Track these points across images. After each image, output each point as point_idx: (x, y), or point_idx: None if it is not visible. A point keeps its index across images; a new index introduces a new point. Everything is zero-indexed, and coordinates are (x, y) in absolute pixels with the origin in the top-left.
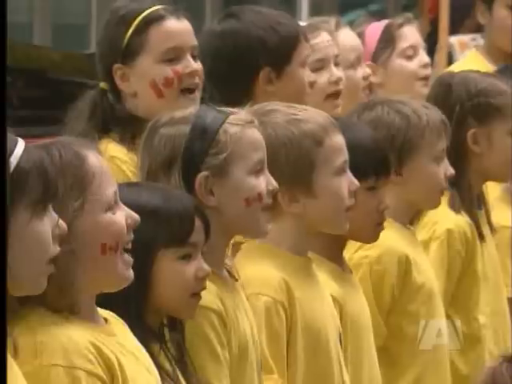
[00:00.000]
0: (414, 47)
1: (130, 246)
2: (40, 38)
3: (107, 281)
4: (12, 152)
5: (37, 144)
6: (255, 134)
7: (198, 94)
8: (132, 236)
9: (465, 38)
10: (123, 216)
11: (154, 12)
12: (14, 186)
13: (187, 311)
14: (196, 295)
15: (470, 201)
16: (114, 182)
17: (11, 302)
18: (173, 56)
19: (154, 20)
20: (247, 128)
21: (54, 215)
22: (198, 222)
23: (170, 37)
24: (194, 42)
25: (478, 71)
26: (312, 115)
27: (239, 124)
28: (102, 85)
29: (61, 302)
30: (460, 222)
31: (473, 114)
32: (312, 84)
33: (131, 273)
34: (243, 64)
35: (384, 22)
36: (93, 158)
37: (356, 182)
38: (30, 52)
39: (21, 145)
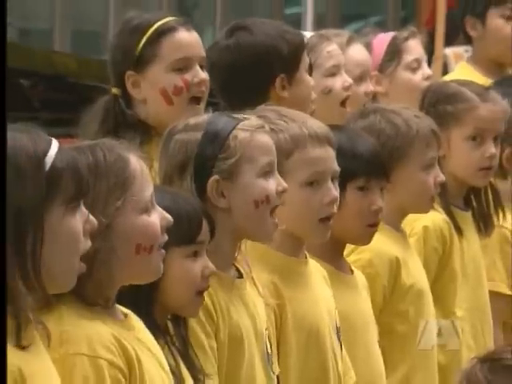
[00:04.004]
0: (417, 60)
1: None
2: (60, 44)
3: (138, 277)
4: (47, 152)
5: (79, 145)
6: (264, 138)
7: (204, 102)
8: (166, 237)
9: (459, 49)
10: (158, 218)
11: (166, 23)
12: (49, 185)
13: (192, 309)
14: (200, 294)
15: (445, 200)
16: (151, 185)
17: (48, 300)
18: (183, 66)
19: (166, 31)
20: (257, 133)
21: (85, 211)
22: (204, 223)
23: (181, 48)
24: (202, 53)
25: (463, 80)
26: (289, 127)
27: (249, 130)
28: (114, 90)
29: (98, 296)
30: (437, 220)
31: (435, 120)
32: (329, 89)
33: (160, 267)
34: (261, 73)
35: (390, 34)
36: (134, 161)
37: (333, 192)
38: (51, 58)
39: (55, 145)
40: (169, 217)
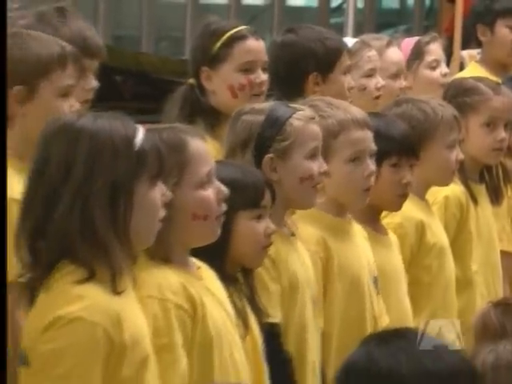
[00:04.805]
0: (437, 60)
1: (222, 215)
2: (146, 46)
3: (196, 240)
4: (135, 136)
5: (151, 128)
6: (314, 127)
7: (262, 98)
8: (224, 207)
9: (473, 51)
10: (213, 192)
11: (239, 31)
12: (138, 163)
13: (257, 261)
14: (265, 248)
15: (464, 175)
16: (210, 162)
17: (134, 256)
18: (248, 67)
19: (239, 37)
20: (309, 122)
21: (162, 186)
22: (266, 191)
23: (249, 53)
24: (265, 58)
25: (479, 77)
26: (336, 113)
27: (302, 119)
28: (191, 81)
29: (157, 253)
30: (456, 190)
31: (456, 109)
32: (364, 87)
33: (217, 232)
34: (297, 69)
35: (415, 39)
36: (193, 144)
37: (371, 167)
38: (138, 58)
39: (141, 130)
40: (225, 190)
